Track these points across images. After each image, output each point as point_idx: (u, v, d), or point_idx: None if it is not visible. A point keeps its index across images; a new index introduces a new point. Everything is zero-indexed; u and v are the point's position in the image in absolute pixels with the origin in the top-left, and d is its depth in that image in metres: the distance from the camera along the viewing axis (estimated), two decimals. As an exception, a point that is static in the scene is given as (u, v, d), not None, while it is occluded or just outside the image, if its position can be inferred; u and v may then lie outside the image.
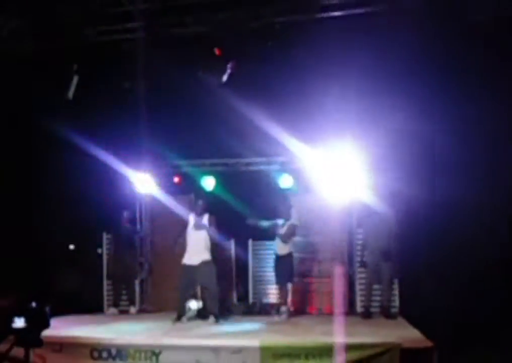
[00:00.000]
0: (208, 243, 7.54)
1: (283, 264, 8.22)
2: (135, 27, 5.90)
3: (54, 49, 5.65)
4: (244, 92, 6.52)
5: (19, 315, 2.50)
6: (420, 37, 5.81)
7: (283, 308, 8.05)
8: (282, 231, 8.14)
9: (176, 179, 9.74)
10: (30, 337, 2.55)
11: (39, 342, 2.58)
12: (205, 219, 7.57)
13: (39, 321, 2.56)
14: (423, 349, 5.16)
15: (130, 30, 5.94)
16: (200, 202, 7.57)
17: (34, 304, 2.55)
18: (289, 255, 8.24)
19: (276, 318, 7.96)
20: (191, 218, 7.65)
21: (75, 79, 5.71)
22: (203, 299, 8.00)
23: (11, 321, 2.49)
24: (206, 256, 7.48)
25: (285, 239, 8.10)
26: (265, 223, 8.25)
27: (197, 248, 7.44)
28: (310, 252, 9.09)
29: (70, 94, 5.68)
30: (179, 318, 7.47)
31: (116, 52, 6.04)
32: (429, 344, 5.21)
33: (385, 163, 7.79)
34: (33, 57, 5.83)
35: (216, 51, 5.29)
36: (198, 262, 7.42)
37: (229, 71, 5.42)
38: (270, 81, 6.87)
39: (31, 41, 5.84)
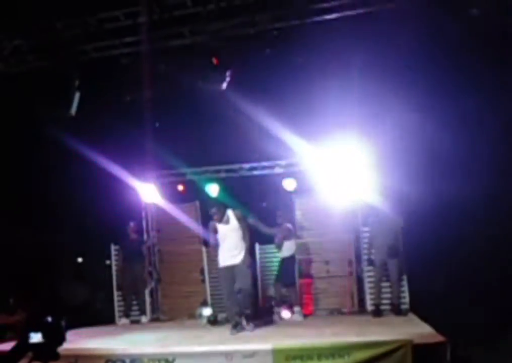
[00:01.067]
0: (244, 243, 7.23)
1: (287, 265, 8.35)
2: (133, 41, 5.95)
3: (55, 66, 5.71)
4: (245, 98, 6.55)
5: (35, 330, 2.54)
6: (421, 31, 5.82)
7: (297, 308, 8.12)
8: (278, 240, 8.37)
9: (180, 188, 9.84)
10: (48, 352, 2.59)
11: (56, 356, 2.62)
12: (232, 218, 7.25)
13: (55, 336, 2.59)
14: (435, 344, 5.15)
15: (128, 44, 6.00)
16: (213, 210, 7.26)
17: (49, 319, 2.59)
18: (292, 257, 8.40)
19: (294, 317, 8.01)
20: (218, 226, 7.26)
21: (77, 95, 5.77)
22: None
23: (28, 337, 2.53)
24: (243, 256, 7.16)
25: (279, 246, 8.39)
26: (264, 229, 8.32)
27: (234, 250, 7.15)
28: (317, 253, 9.13)
29: (73, 110, 5.73)
30: (235, 326, 7.01)
31: (116, 66, 6.10)
32: (441, 338, 5.20)
33: (391, 161, 7.82)
34: (35, 74, 5.91)
35: (214, 61, 5.33)
36: (238, 262, 7.13)
37: (228, 79, 5.46)
38: (271, 85, 6.91)
39: (32, 58, 5.91)
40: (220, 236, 7.21)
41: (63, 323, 2.63)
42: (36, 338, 2.54)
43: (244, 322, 6.99)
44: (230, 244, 7.13)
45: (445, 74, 6.81)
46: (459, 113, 7.36)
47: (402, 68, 6.74)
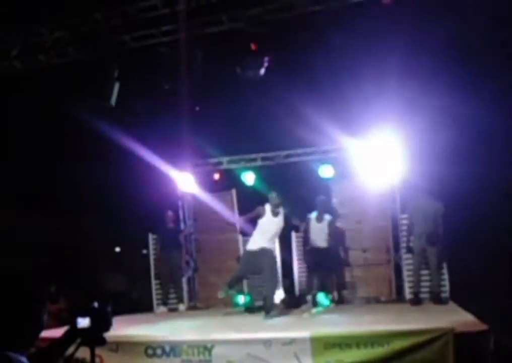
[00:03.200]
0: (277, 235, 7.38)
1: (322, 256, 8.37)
2: (171, 30, 5.95)
3: (95, 57, 5.77)
4: (282, 84, 6.50)
5: (83, 316, 2.58)
6: (459, 16, 5.67)
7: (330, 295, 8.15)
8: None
9: (216, 176, 9.86)
10: (95, 337, 2.63)
11: (103, 341, 2.65)
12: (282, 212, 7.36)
13: (102, 321, 2.63)
14: (478, 333, 5.02)
15: (166, 33, 6.01)
16: (273, 195, 7.32)
17: (96, 304, 2.62)
18: (328, 248, 8.41)
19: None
20: (267, 209, 7.35)
21: (117, 86, 5.81)
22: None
23: (76, 322, 2.57)
24: (271, 244, 7.31)
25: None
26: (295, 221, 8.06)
27: (264, 239, 7.27)
28: (354, 240, 9.05)
29: (113, 100, 5.78)
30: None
31: (154, 55, 6.12)
32: (484, 327, 5.08)
33: (430, 146, 7.66)
34: (75, 65, 5.98)
35: (253, 46, 5.28)
36: (263, 247, 7.24)
37: (266, 65, 5.39)
38: (308, 71, 6.83)
39: (72, 50, 5.98)
40: (262, 223, 7.30)
41: (109, 308, 2.66)
42: (83, 323, 2.58)
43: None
44: (263, 234, 7.26)
45: (491, 55, 6.63)
46: (499, 94, 7.16)
47: (442, 54, 6.59)
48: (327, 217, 8.46)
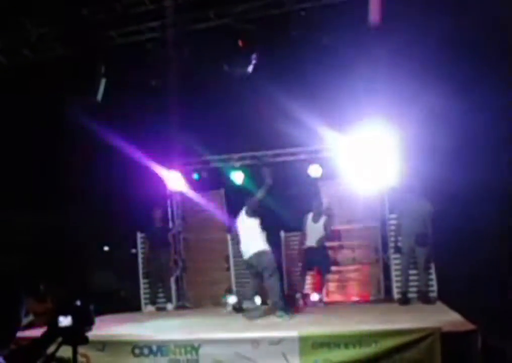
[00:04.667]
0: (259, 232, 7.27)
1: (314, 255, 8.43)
2: (158, 26, 5.90)
3: (81, 52, 5.69)
4: (270, 83, 6.47)
5: (65, 314, 2.54)
6: (453, 12, 5.65)
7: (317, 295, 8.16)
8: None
9: (205, 175, 9.80)
10: (77, 335, 2.59)
11: (85, 340, 2.62)
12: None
13: (84, 319, 2.59)
14: (465, 333, 5.04)
15: (153, 29, 5.96)
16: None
17: (78, 303, 2.59)
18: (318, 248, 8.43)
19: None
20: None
21: (103, 81, 5.74)
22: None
23: (57, 321, 2.54)
24: (258, 246, 7.18)
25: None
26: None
27: (248, 240, 7.23)
28: (343, 240, 9.06)
29: (99, 96, 5.71)
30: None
31: (141, 51, 6.06)
32: (471, 327, 5.09)
33: (419, 146, 7.65)
34: (61, 60, 5.91)
35: (240, 43, 5.24)
36: (250, 255, 7.20)
37: (254, 62, 5.36)
38: (296, 69, 6.80)
39: (58, 45, 5.91)
40: (240, 230, 7.36)
41: (91, 307, 2.63)
42: (65, 321, 2.55)
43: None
44: (242, 237, 7.28)
45: (476, 55, 6.62)
46: (492, 92, 7.16)
47: (431, 51, 6.58)
48: (323, 218, 8.49)
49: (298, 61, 6.45)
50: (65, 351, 2.75)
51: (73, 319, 2.54)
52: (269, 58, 5.69)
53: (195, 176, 9.65)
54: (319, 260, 8.43)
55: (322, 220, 8.48)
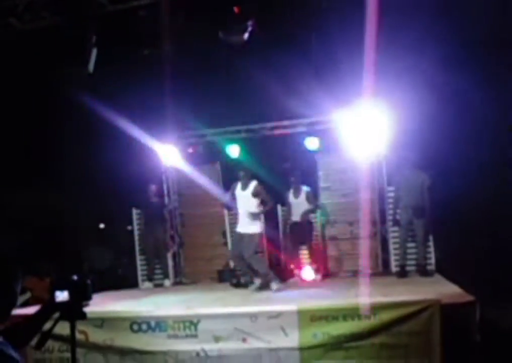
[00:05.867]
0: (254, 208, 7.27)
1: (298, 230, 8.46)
2: None
3: (71, 21, 5.49)
4: (267, 52, 6.32)
5: (61, 289, 2.47)
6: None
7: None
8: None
9: (200, 149, 9.67)
10: (74, 310, 2.53)
11: (83, 315, 2.55)
12: (251, 188, 7.26)
13: (81, 294, 2.53)
14: (464, 304, 5.03)
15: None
16: (242, 173, 7.30)
17: (75, 277, 2.52)
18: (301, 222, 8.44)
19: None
20: (236, 190, 7.38)
21: (94, 51, 5.56)
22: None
23: (54, 296, 2.47)
24: (252, 227, 7.27)
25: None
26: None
27: (243, 216, 7.29)
28: (340, 214, 9.01)
29: (91, 67, 5.54)
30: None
31: (134, 19, 5.85)
32: (470, 298, 5.10)
33: (417, 118, 7.56)
34: (50, 30, 5.71)
35: (236, 9, 5.06)
36: (243, 232, 7.30)
37: (250, 29, 5.18)
38: (294, 37, 6.63)
39: (47, 14, 5.70)
40: (237, 200, 7.33)
41: (88, 281, 2.57)
42: (62, 296, 2.49)
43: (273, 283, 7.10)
44: (242, 211, 7.27)
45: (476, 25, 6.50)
46: (489, 66, 7.06)
47: (431, 24, 6.45)
48: (304, 191, 8.40)
49: (296, 28, 6.27)
50: (63, 328, 2.70)
51: (70, 294, 2.49)
52: (266, 25, 5.51)
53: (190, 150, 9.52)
54: (304, 235, 8.40)
55: (303, 194, 8.40)
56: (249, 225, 7.21)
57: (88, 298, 2.58)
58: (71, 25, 5.43)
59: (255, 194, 7.16)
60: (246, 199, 7.21)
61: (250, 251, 7.15)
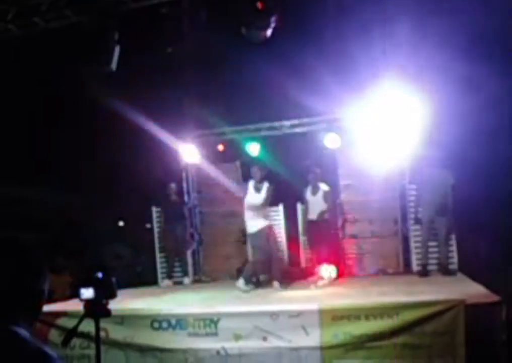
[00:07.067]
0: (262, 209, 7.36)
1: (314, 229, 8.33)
2: None
3: (94, 19, 5.50)
4: (288, 48, 6.27)
5: (86, 286, 2.46)
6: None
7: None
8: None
9: (220, 147, 9.69)
10: (99, 307, 2.52)
11: (107, 312, 2.54)
12: (264, 187, 7.34)
13: (106, 292, 2.52)
14: (489, 304, 4.94)
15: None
16: (255, 169, 7.33)
17: (100, 275, 2.51)
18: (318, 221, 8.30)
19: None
20: (250, 185, 7.41)
21: (117, 49, 5.55)
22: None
23: (79, 293, 2.46)
24: (263, 222, 7.32)
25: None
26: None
27: (255, 215, 7.31)
28: (361, 212, 8.92)
29: (113, 64, 5.53)
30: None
31: (156, 16, 5.83)
32: (495, 298, 4.99)
33: (440, 116, 7.44)
34: (73, 28, 5.73)
35: (259, 5, 5.00)
36: (256, 230, 7.32)
37: (273, 25, 5.12)
38: (315, 35, 6.59)
39: (70, 12, 5.71)
40: (247, 200, 7.33)
41: (113, 279, 2.56)
42: (87, 293, 2.48)
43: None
44: (250, 212, 7.30)
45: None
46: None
47: (457, 15, 6.33)
48: (322, 189, 8.31)
49: (318, 24, 6.21)
50: (85, 326, 2.69)
51: (95, 291, 2.48)
52: (288, 21, 5.45)
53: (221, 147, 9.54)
54: (321, 234, 8.29)
55: (321, 192, 8.28)
56: (256, 223, 7.26)
57: (113, 295, 2.57)
58: (93, 24, 5.43)
59: (267, 197, 7.21)
60: (256, 200, 7.28)
61: (262, 252, 7.22)
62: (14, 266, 1.80)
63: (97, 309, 2.55)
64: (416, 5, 5.72)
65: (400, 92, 7.25)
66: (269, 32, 5.21)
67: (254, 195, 7.32)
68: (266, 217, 7.50)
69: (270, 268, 7.43)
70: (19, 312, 1.76)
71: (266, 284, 7.40)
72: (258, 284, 7.87)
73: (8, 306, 1.74)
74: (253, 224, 7.35)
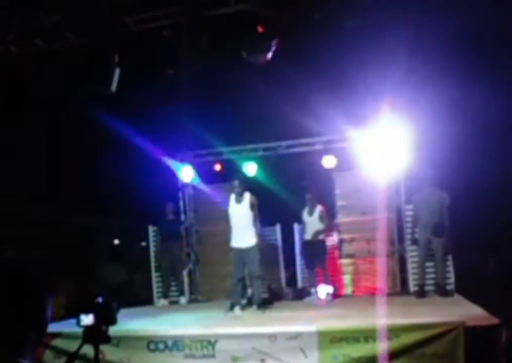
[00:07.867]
0: (251, 221, 7.25)
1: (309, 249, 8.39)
2: (174, 12, 5.70)
3: (95, 41, 5.54)
4: (286, 71, 6.31)
5: (86, 312, 2.42)
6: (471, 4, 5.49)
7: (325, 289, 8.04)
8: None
9: (217, 167, 9.70)
10: (99, 334, 2.48)
11: (107, 339, 2.50)
12: (246, 200, 7.28)
13: (106, 318, 2.48)
14: (489, 327, 4.91)
15: (169, 15, 5.75)
16: (236, 182, 7.31)
17: (100, 300, 2.47)
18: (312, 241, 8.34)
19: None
20: (230, 203, 7.41)
21: (117, 71, 5.58)
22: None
23: (79, 319, 2.42)
24: (252, 239, 7.22)
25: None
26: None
27: (242, 230, 7.23)
28: (358, 232, 8.92)
29: (113, 86, 5.56)
30: (232, 307, 7.21)
31: (157, 39, 5.87)
32: (495, 320, 4.97)
33: (436, 136, 7.50)
34: (74, 50, 5.76)
35: (260, 29, 5.04)
36: (246, 246, 7.23)
37: (273, 48, 5.16)
38: (314, 57, 6.64)
39: (72, 34, 5.75)
40: (230, 213, 7.32)
41: (114, 305, 2.52)
42: (87, 320, 2.44)
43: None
44: (237, 225, 7.27)
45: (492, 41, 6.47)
46: (506, 85, 7.01)
47: (446, 36, 6.41)
48: (317, 210, 8.33)
49: (316, 48, 6.26)
50: (83, 348, 2.66)
51: (95, 317, 2.44)
52: (287, 45, 5.50)
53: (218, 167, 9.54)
54: (315, 254, 8.29)
55: (317, 212, 8.32)
56: (249, 238, 7.16)
57: (113, 322, 2.54)
58: (94, 46, 5.46)
59: (251, 206, 7.12)
60: (239, 211, 7.21)
61: (256, 265, 7.11)
62: (18, 292, 1.76)
63: (96, 336, 2.51)
64: (412, 33, 5.80)
65: (395, 114, 7.31)
66: (269, 55, 5.24)
67: (236, 207, 7.28)
68: (256, 234, 7.27)
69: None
70: (25, 339, 1.73)
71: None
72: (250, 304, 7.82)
73: (15, 340, 1.70)
74: (241, 240, 7.26)
